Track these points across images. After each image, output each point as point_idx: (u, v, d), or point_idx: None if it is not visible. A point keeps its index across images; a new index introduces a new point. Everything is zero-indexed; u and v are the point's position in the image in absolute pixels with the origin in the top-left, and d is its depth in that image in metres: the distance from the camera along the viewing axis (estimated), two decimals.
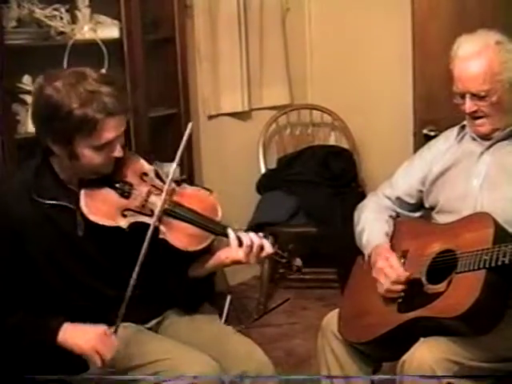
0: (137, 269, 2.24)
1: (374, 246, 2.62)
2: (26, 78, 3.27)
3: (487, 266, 2.26)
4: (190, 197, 2.42)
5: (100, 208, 2.30)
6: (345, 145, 4.76)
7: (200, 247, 2.36)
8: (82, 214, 2.31)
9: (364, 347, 2.57)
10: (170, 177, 2.34)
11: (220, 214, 2.42)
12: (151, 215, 2.31)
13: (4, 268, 2.31)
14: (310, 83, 5.12)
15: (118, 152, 2.29)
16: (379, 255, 2.57)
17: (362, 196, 3.10)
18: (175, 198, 2.38)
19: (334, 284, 4.28)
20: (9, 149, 3.14)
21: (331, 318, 2.67)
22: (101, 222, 2.28)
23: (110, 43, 3.49)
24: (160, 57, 3.86)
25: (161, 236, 2.31)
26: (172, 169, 2.31)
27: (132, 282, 2.24)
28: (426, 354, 2.32)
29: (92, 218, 2.28)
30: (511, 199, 2.47)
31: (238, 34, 4.50)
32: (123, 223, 2.29)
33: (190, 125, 2.38)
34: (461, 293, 2.28)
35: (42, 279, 2.35)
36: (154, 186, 2.39)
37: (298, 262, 2.41)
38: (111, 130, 2.24)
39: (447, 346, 2.34)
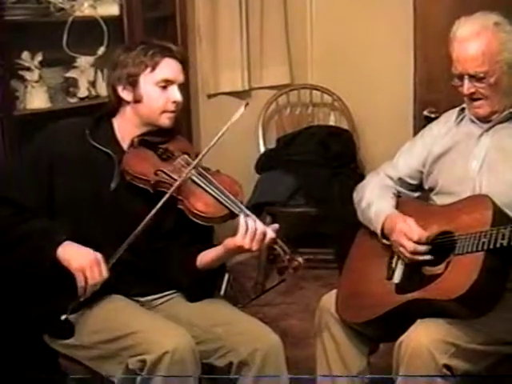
0: (145, 220, 2.36)
1: (387, 215, 2.61)
2: (25, 55, 3.25)
3: (486, 248, 2.26)
4: (219, 177, 2.55)
5: (138, 163, 2.49)
6: (344, 125, 4.76)
7: (213, 216, 2.42)
8: (121, 168, 2.49)
9: (361, 327, 2.58)
10: (207, 148, 2.45)
11: (241, 200, 2.48)
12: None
13: (28, 179, 2.47)
14: (311, 63, 5.10)
15: (176, 96, 2.52)
16: (396, 220, 2.56)
17: (360, 177, 3.10)
18: (204, 172, 2.52)
19: (332, 264, 4.28)
20: (8, 126, 3.12)
21: (329, 298, 2.67)
22: (133, 173, 2.46)
23: (109, 20, 3.47)
24: (160, 35, 3.84)
25: (180, 198, 2.42)
26: (212, 143, 2.45)
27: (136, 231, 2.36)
28: (423, 335, 2.33)
29: (127, 168, 2.47)
30: (510, 182, 2.47)
31: (239, 12, 4.48)
32: (152, 178, 2.44)
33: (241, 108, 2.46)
34: (459, 275, 2.29)
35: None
36: (190, 162, 2.51)
37: (300, 259, 2.40)
38: (170, 70, 2.52)
39: (444, 328, 2.35)
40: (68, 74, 3.51)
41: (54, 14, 3.36)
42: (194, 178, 2.47)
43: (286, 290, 4.31)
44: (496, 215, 2.32)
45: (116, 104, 2.58)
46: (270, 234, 2.37)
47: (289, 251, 2.39)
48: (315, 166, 4.35)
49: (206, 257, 2.51)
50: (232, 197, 2.44)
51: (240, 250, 2.40)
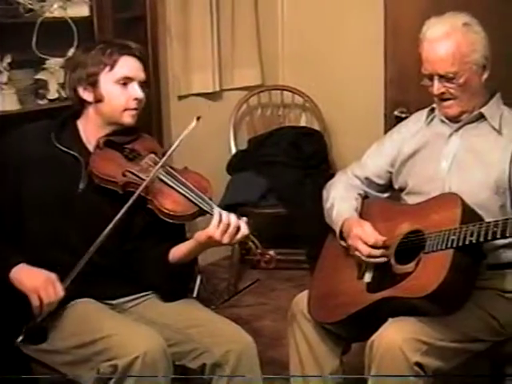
0: (112, 224, 2.36)
1: (345, 218, 2.64)
2: None
3: (455, 245, 2.29)
4: (187, 174, 2.57)
5: (105, 165, 2.49)
6: (315, 126, 4.78)
7: (183, 214, 2.43)
8: (88, 170, 2.49)
9: (333, 327, 2.59)
10: (173, 147, 2.46)
11: (210, 195, 2.49)
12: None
13: None
14: (282, 64, 5.12)
15: (137, 93, 2.52)
16: (352, 224, 2.59)
17: (332, 177, 3.12)
18: (172, 170, 2.53)
19: (304, 265, 4.30)
20: None
21: (301, 299, 2.69)
22: (101, 175, 2.46)
23: (79, 21, 3.44)
24: (130, 35, 3.81)
25: (149, 197, 2.43)
26: (177, 141, 2.44)
27: (101, 237, 2.36)
28: (395, 333, 2.35)
29: (95, 170, 2.47)
30: (479, 181, 2.51)
31: (210, 12, 4.49)
32: (120, 180, 2.45)
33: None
34: (429, 273, 2.31)
35: (25, 227, 2.50)
36: (158, 161, 2.52)
37: (272, 252, 2.43)
38: (129, 67, 2.52)
39: (416, 326, 2.37)
40: (38, 76, 3.49)
41: (23, 15, 3.33)
42: (162, 176, 2.49)
43: (258, 291, 4.33)
44: (465, 213, 2.35)
45: (79, 105, 2.59)
46: (244, 230, 2.40)
47: (260, 245, 2.43)
48: (287, 166, 4.38)
49: (178, 251, 2.53)
50: (201, 193, 2.46)
51: (211, 241, 2.41)
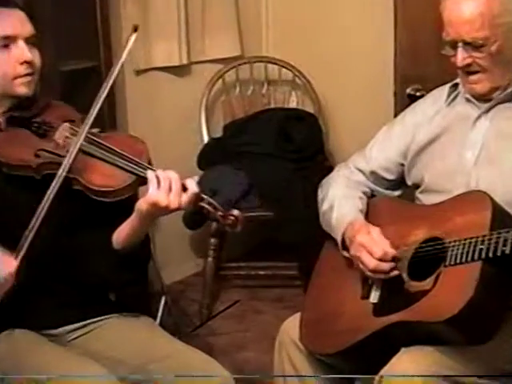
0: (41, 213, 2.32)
1: (349, 221, 2.64)
2: None
3: (483, 256, 2.28)
4: (115, 138, 2.54)
5: (11, 148, 2.45)
6: (309, 108, 4.80)
7: (119, 187, 2.40)
8: None
9: (331, 360, 2.60)
10: (93, 114, 2.43)
11: (147, 160, 2.47)
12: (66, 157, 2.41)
13: None
14: (265, 31, 5.14)
15: (26, 53, 2.45)
16: (358, 230, 2.59)
17: (329, 171, 3.11)
18: (96, 138, 2.47)
19: (295, 281, 4.31)
20: None
21: (291, 324, 2.69)
22: (10, 162, 2.42)
23: None
24: None
25: (72, 176, 2.38)
26: (96, 107, 2.43)
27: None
28: (409, 366, 2.34)
29: (3, 159, 2.43)
30: None
31: None
32: (33, 162, 2.41)
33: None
34: (451, 291, 2.31)
35: None
36: (76, 131, 2.47)
37: (236, 211, 2.41)
38: (6, 23, 2.44)
39: (434, 357, 2.37)
40: None
41: None
42: (84, 147, 2.43)
43: (239, 315, 4.35)
44: (496, 216, 2.35)
45: None
46: (192, 187, 2.37)
47: (220, 206, 2.40)
48: (273, 159, 4.39)
49: (121, 233, 2.50)
50: (135, 158, 2.43)
51: (157, 209, 2.37)
